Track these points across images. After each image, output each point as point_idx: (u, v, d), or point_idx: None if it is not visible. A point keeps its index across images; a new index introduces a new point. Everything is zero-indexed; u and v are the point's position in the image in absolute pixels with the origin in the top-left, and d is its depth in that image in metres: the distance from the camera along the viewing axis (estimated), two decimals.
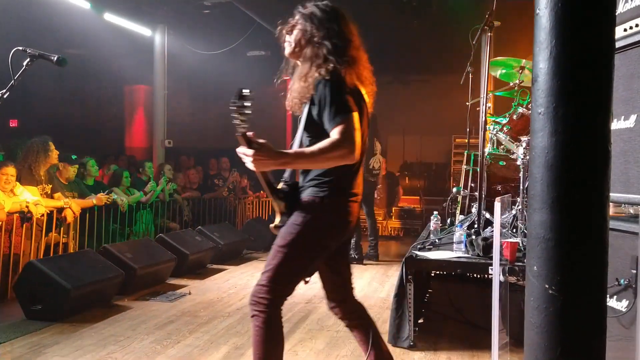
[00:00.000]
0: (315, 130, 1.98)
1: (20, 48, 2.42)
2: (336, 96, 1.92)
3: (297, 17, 2.09)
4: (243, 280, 5.32)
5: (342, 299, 2.18)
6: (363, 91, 2.08)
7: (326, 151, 1.87)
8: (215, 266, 5.99)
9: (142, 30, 8.10)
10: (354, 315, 2.18)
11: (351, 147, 1.88)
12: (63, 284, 3.72)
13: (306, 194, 2.01)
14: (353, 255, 6.32)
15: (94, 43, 7.92)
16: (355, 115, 1.93)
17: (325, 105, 1.92)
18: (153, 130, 8.73)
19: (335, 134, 1.89)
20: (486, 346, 3.11)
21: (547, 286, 1.15)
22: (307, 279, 2.05)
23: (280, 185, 2.09)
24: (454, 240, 3.35)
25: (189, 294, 4.66)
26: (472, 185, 4.44)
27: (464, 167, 4.73)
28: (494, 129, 3.89)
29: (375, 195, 6.96)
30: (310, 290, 4.91)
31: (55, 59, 2.39)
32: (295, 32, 2.09)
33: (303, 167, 2.02)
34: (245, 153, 1.92)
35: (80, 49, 7.50)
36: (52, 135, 4.93)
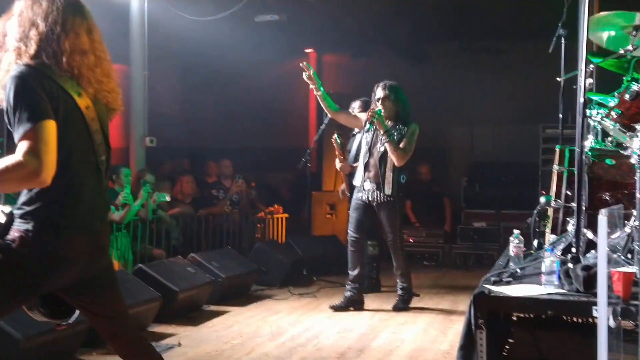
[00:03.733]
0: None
1: None
2: (22, 99, 2.10)
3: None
4: (251, 326, 5.32)
5: (113, 334, 2.51)
6: (76, 93, 2.27)
7: (2, 173, 2.04)
8: (214, 307, 6.02)
9: None
10: (131, 353, 2.52)
11: (35, 167, 2.04)
12: (12, 334, 3.78)
13: (13, 227, 2.22)
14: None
15: None
16: (48, 124, 2.10)
17: (10, 110, 2.11)
18: (130, 125, 8.87)
19: (18, 149, 2.06)
20: None
21: None
22: (62, 323, 2.47)
23: None
24: (543, 270, 3.28)
25: (179, 345, 4.68)
26: (568, 193, 4.36)
27: (555, 167, 4.65)
28: (597, 114, 3.81)
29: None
30: (342, 339, 4.88)
31: None
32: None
33: None
34: None
35: None
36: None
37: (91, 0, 2.62)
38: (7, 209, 2.30)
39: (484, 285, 3.32)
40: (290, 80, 11.82)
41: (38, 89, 2.15)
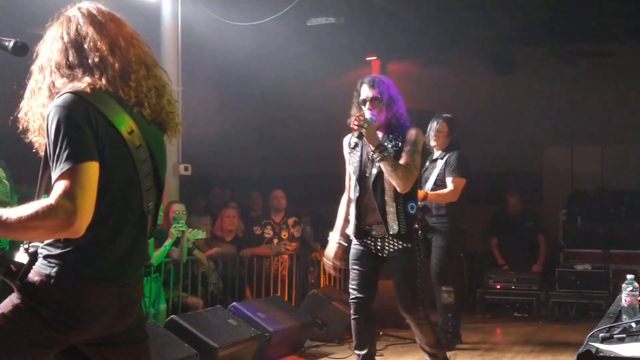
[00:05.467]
0: None
1: None
2: (64, 134, 2.18)
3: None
4: None
5: None
6: (127, 129, 2.34)
7: (28, 220, 2.11)
8: None
9: None
10: None
11: (69, 214, 2.11)
12: None
13: (34, 268, 2.29)
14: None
15: None
16: (89, 166, 2.18)
17: (50, 144, 2.21)
18: None
19: (52, 192, 2.14)
20: None
21: None
22: None
23: (19, 253, 2.35)
24: None
25: None
26: None
27: None
28: None
29: None
30: None
31: (11, 45, 2.53)
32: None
33: (8, 238, 2.21)
34: None
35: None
36: (5, 157, 5.20)
37: (116, 5, 2.70)
38: (33, 247, 2.37)
39: (591, 342, 3.26)
40: (349, 94, 11.89)
41: (83, 122, 2.22)
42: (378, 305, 7.58)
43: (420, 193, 6.55)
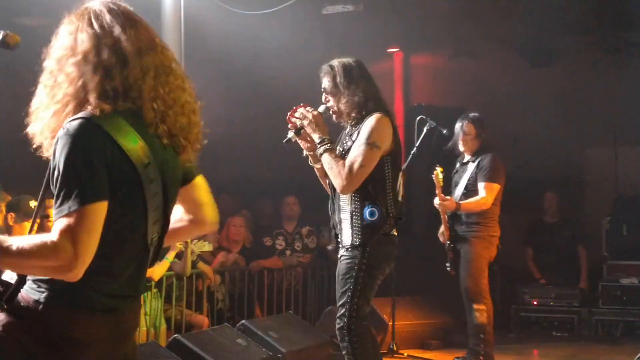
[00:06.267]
0: None
1: None
2: (75, 170, 2.18)
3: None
4: None
5: None
6: (144, 152, 2.31)
7: (29, 255, 2.14)
8: None
9: None
10: None
11: (68, 261, 2.11)
12: None
13: (22, 291, 2.30)
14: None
15: (65, 6, 8.28)
16: (98, 207, 2.17)
17: (58, 176, 2.19)
18: None
19: (55, 232, 2.13)
20: None
21: None
22: None
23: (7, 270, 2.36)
24: None
25: None
26: None
27: None
28: None
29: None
30: None
31: (0, 37, 2.55)
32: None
33: (4, 268, 2.29)
34: None
35: (42, 16, 7.87)
36: None
37: None
38: None
39: None
40: (377, 81, 11.80)
41: (97, 156, 2.19)
42: (402, 323, 7.62)
43: (452, 203, 6.59)
